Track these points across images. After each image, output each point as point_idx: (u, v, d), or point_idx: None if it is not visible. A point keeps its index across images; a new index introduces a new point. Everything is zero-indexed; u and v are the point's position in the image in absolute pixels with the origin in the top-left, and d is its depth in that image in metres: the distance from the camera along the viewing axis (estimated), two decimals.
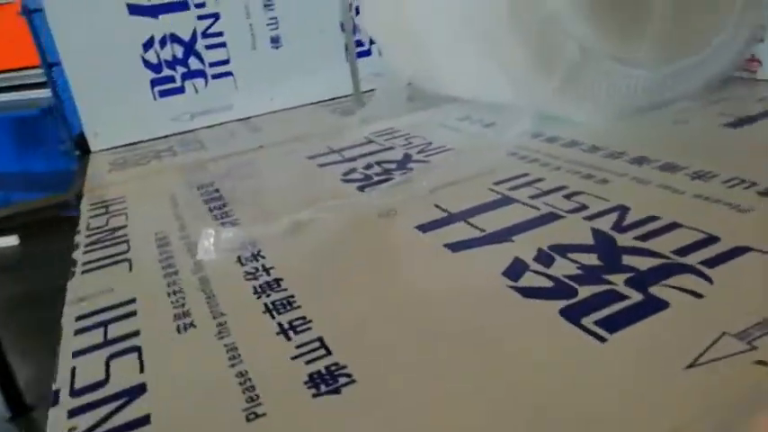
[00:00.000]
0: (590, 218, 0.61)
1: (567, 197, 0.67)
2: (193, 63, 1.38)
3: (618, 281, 0.49)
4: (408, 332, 0.47)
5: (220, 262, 0.63)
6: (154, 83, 1.35)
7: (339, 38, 1.47)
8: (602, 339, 0.42)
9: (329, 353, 0.44)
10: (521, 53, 0.84)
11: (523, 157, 0.82)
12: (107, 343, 0.51)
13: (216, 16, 1.38)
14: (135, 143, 1.34)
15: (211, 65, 1.40)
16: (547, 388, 0.38)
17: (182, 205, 0.85)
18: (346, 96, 1.45)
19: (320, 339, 0.46)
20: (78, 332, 0.53)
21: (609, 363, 0.40)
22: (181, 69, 1.37)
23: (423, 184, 0.77)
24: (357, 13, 1.53)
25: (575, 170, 0.75)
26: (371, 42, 1.56)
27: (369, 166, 0.90)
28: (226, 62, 1.41)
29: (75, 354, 0.50)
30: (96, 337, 0.52)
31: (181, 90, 1.38)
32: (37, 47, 1.27)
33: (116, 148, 1.33)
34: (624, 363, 0.40)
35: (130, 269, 0.66)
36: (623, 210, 0.61)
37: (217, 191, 0.88)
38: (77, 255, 0.71)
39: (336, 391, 0.40)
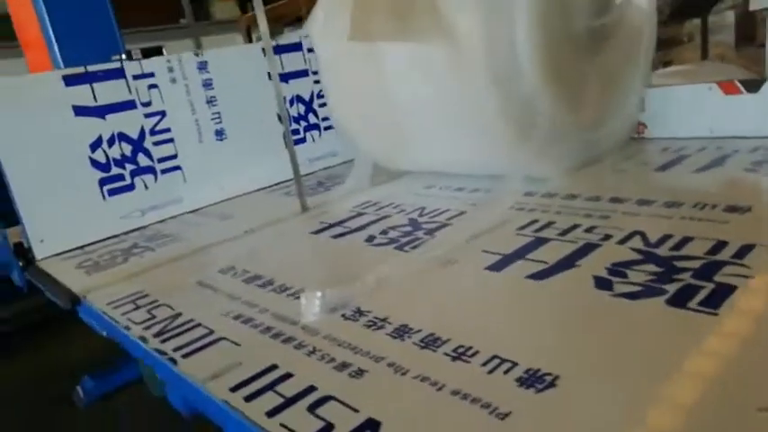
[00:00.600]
0: (621, 242, 0.77)
1: (588, 231, 0.83)
2: (142, 160, 1.37)
3: (685, 278, 0.64)
4: (592, 333, 0.57)
5: (329, 321, 0.67)
6: (102, 182, 1.31)
7: (278, 127, 1.55)
8: (713, 314, 0.56)
9: (515, 364, 0.52)
10: (506, 129, 1.02)
11: (521, 209, 0.98)
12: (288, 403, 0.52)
13: (162, 114, 1.39)
14: (83, 246, 1.26)
15: (160, 160, 1.39)
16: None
17: (223, 288, 0.85)
18: (289, 180, 1.51)
19: (496, 356, 0.54)
20: (248, 398, 0.54)
21: (730, 331, 0.53)
22: (130, 167, 1.35)
23: (457, 237, 0.88)
24: (303, 103, 1.65)
25: (573, 212, 0.92)
26: (305, 130, 1.67)
27: (385, 232, 0.99)
28: (174, 157, 1.41)
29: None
30: (272, 400, 0.53)
31: (131, 187, 1.35)
32: None
33: (64, 253, 1.24)
34: (742, 328, 0.54)
35: (238, 344, 0.66)
36: (641, 233, 0.78)
37: (247, 271, 0.90)
38: (154, 343, 0.69)
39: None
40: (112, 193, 1.32)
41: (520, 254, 0.78)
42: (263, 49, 1.29)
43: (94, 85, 1.29)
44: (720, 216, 0.81)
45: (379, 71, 1.24)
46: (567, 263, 0.73)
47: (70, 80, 1.26)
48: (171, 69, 1.40)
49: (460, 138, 1.12)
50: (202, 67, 1.45)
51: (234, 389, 0.56)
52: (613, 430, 0.43)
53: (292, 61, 1.63)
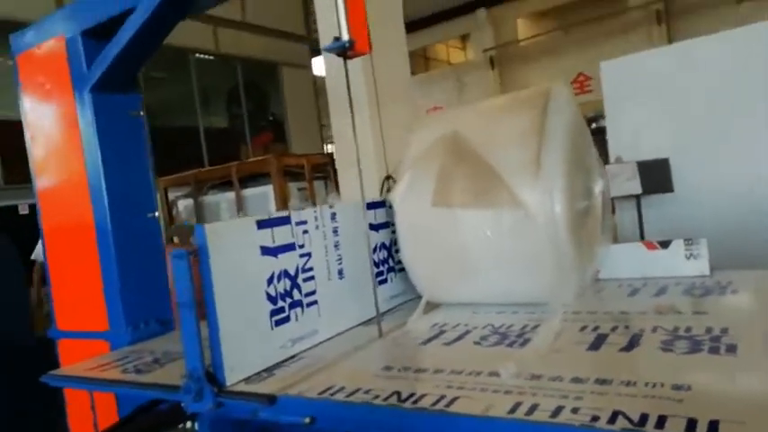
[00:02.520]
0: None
1: (613, 330, 1.27)
2: (296, 294, 1.56)
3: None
4: None
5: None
6: (272, 313, 1.47)
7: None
8: None
9: None
10: (550, 268, 1.52)
11: (566, 321, 1.45)
12: None
13: (309, 254, 1.62)
14: (259, 372, 1.39)
15: (306, 295, 1.60)
16: None
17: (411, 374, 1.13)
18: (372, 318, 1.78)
19: None
20: None
21: None
22: (288, 300, 1.53)
23: (546, 337, 1.30)
24: (386, 249, 1.96)
25: (597, 319, 1.40)
26: (387, 272, 1.97)
27: (484, 338, 1.43)
28: (314, 293, 1.62)
29: None
30: None
31: (288, 319, 1.52)
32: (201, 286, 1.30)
33: (245, 380, 1.36)
34: None
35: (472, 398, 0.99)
36: (720, 327, 1.25)
37: (407, 367, 1.20)
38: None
39: None
40: (278, 323, 1.49)
41: (597, 343, 1.23)
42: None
43: (274, 229, 1.51)
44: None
45: (453, 226, 1.68)
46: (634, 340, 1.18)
47: (260, 224, 1.47)
48: (316, 218, 1.67)
49: (512, 275, 1.61)
50: (333, 216, 1.73)
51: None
52: None
53: (380, 215, 1.97)
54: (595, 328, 1.37)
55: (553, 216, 1.54)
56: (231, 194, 4.87)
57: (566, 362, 1.20)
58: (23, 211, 5.67)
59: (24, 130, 2.17)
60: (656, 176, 3.09)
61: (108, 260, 1.98)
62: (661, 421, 0.86)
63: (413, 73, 9.92)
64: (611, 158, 3.34)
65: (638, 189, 3.11)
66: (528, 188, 1.54)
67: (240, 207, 4.50)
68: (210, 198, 5.02)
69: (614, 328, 1.35)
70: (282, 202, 4.14)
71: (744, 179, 2.98)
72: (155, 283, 2.09)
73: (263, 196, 4.51)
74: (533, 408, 0.97)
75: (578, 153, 1.73)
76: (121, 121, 2.02)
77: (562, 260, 1.56)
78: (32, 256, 4.32)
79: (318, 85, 10.43)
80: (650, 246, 1.87)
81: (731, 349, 1.14)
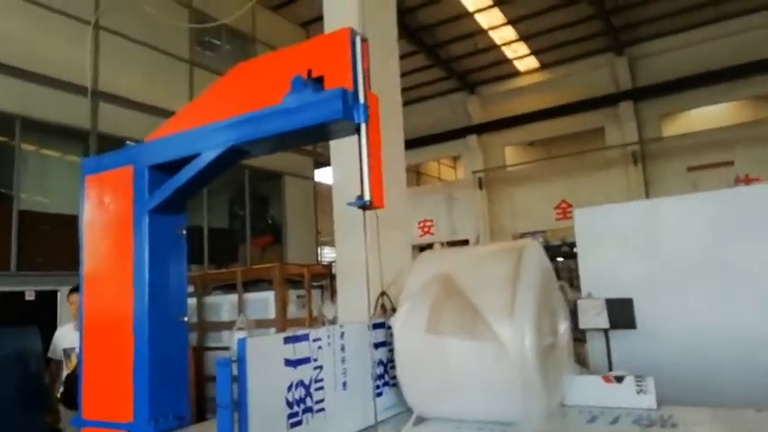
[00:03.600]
0: None
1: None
2: (308, 401, 1.86)
3: None
4: None
5: None
6: (289, 416, 1.77)
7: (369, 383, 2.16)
8: None
9: None
10: (523, 393, 1.84)
11: None
12: None
13: (321, 367, 1.94)
14: None
15: (316, 402, 1.89)
16: None
17: None
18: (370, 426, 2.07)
19: None
20: None
21: None
22: (302, 406, 1.83)
23: None
24: (383, 365, 2.27)
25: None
26: (383, 385, 2.27)
27: None
28: (322, 401, 1.92)
29: None
30: None
31: (300, 422, 1.81)
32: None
33: None
34: None
35: None
36: None
37: None
38: None
39: None
40: (292, 425, 1.78)
41: None
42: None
43: (296, 344, 1.84)
44: None
45: (441, 352, 2.02)
46: None
47: (286, 340, 1.81)
48: (329, 336, 2.00)
49: (489, 397, 1.92)
50: (341, 336, 2.07)
51: None
52: None
53: (379, 335, 2.31)
54: None
55: (523, 348, 1.90)
56: (233, 296, 5.15)
57: None
58: (30, 297, 5.90)
59: (79, 233, 2.55)
60: (621, 313, 3.47)
61: (141, 357, 2.27)
62: None
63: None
64: (584, 293, 3.74)
65: (605, 324, 3.47)
66: (503, 325, 1.91)
67: (241, 309, 4.79)
68: (213, 299, 5.29)
69: None
70: (282, 308, 4.45)
71: (697, 323, 3.38)
72: (177, 381, 2.36)
73: (264, 301, 4.81)
74: None
75: (546, 296, 2.12)
76: (169, 237, 2.41)
77: (529, 386, 1.90)
78: (49, 354, 4.18)
79: (317, 193, 11.07)
80: (607, 380, 2.21)
81: None
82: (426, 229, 16.37)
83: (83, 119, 7.05)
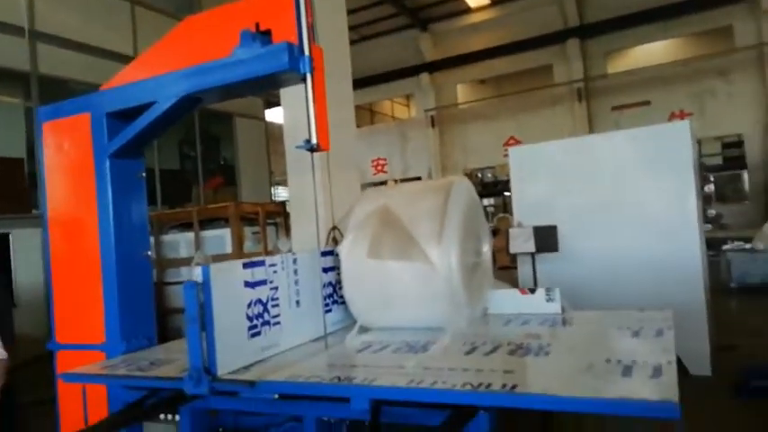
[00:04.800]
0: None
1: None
2: (266, 316, 2.16)
3: None
4: None
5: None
6: (249, 329, 2.07)
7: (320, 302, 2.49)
8: None
9: None
10: (448, 303, 2.20)
11: (455, 338, 2.11)
12: None
13: (276, 288, 2.24)
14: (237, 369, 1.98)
15: (273, 317, 2.20)
16: None
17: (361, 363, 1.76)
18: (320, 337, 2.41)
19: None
20: None
21: None
22: (260, 320, 2.13)
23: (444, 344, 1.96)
24: (332, 286, 2.59)
25: (475, 339, 2.07)
26: (332, 303, 2.60)
27: (399, 349, 2.05)
28: (278, 316, 2.23)
29: None
30: None
31: (259, 333, 2.12)
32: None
33: (230, 373, 1.94)
34: None
35: (403, 367, 1.62)
36: (547, 342, 1.96)
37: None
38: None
39: None
40: (252, 335, 2.08)
41: (472, 350, 1.91)
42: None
43: (254, 269, 2.12)
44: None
45: (382, 273, 2.35)
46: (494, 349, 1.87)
47: (244, 265, 2.08)
48: (283, 262, 2.29)
49: (421, 308, 2.28)
50: (294, 261, 2.36)
51: None
52: None
53: (328, 261, 2.61)
54: (473, 343, 2.03)
55: (450, 267, 2.24)
56: (190, 234, 5.35)
57: (448, 360, 1.86)
58: None
59: (42, 177, 2.71)
60: (546, 239, 3.90)
61: (110, 286, 2.51)
62: (489, 386, 1.54)
63: (358, 125, 10.76)
64: (515, 223, 4.15)
65: (532, 248, 3.90)
66: (433, 248, 2.24)
67: (198, 247, 5.02)
68: (170, 237, 5.47)
69: (484, 342, 2.03)
70: (238, 244, 4.70)
71: (609, 246, 3.85)
72: (145, 307, 2.63)
73: (220, 238, 5.04)
74: (421, 381, 1.61)
75: (471, 224, 2.46)
76: (130, 180, 2.60)
77: (455, 298, 2.25)
78: None
79: (269, 133, 11.10)
80: (523, 292, 2.60)
81: (545, 352, 1.85)
82: (380, 168, 16.68)
83: (22, 61, 6.85)
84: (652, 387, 1.43)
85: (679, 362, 3.67)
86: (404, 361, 1.87)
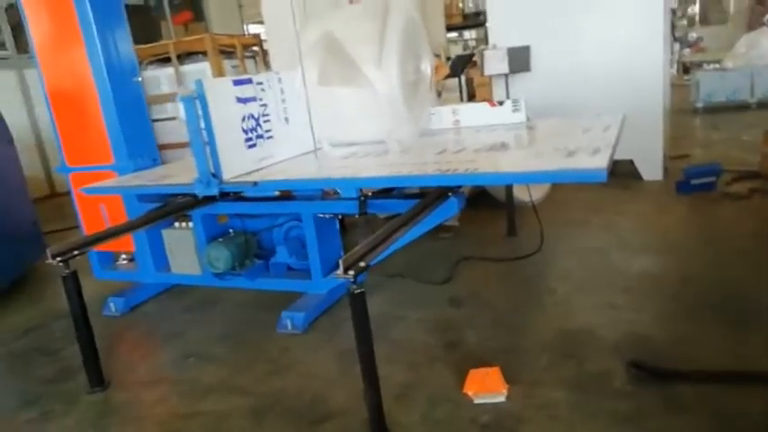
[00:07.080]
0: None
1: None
2: (259, 130, 2.39)
3: None
4: None
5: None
6: (246, 141, 2.31)
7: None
8: None
9: None
10: (389, 119, 2.46)
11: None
12: None
13: (266, 105, 2.44)
14: (240, 175, 2.26)
15: (266, 131, 2.43)
16: None
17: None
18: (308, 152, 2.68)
19: None
20: None
21: None
22: (255, 134, 2.37)
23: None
24: None
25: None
26: None
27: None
28: (270, 130, 2.46)
29: None
30: None
31: (254, 146, 2.37)
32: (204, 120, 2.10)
33: (234, 177, 2.22)
34: None
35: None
36: (509, 141, 2.26)
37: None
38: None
39: None
40: (249, 147, 2.33)
41: (442, 150, 2.20)
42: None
43: (243, 86, 2.30)
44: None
45: (332, 95, 2.54)
46: (462, 149, 2.17)
47: (235, 82, 2.26)
48: (269, 81, 2.46)
49: (368, 125, 2.53)
50: (279, 81, 2.53)
51: None
52: None
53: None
54: (445, 147, 2.32)
55: (390, 87, 2.45)
56: (170, 70, 5.35)
57: (422, 157, 2.14)
58: None
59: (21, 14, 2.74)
60: (519, 59, 4.04)
61: (110, 111, 2.70)
62: (455, 170, 1.84)
63: None
64: (490, 45, 4.25)
65: (506, 69, 4.06)
66: (374, 71, 2.43)
67: (180, 82, 5.07)
68: (149, 73, 5.48)
69: (455, 145, 2.31)
70: (219, 76, 4.76)
71: (577, 63, 4.03)
72: (144, 130, 2.85)
73: (200, 72, 5.08)
74: (399, 171, 1.92)
75: (411, 45, 2.61)
76: (112, 12, 2.66)
77: (396, 114, 2.50)
78: None
79: None
80: (492, 104, 2.84)
81: (506, 148, 2.15)
82: None
83: None
84: (587, 161, 1.73)
85: (633, 166, 4.07)
86: (370, 159, 2.16)
